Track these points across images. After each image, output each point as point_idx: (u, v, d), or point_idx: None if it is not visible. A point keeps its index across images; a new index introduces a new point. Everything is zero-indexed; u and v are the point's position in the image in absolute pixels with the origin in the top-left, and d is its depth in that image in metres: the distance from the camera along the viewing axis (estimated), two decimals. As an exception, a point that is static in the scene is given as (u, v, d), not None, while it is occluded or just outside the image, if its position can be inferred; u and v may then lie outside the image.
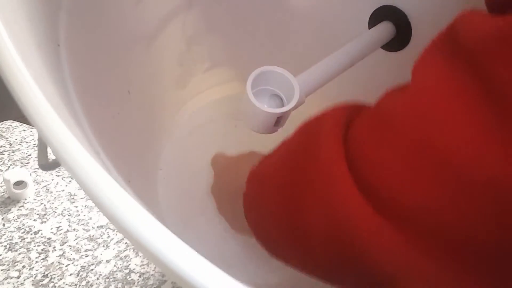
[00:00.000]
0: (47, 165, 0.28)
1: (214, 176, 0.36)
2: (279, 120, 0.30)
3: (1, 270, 0.43)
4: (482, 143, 0.13)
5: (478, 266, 0.15)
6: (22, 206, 0.53)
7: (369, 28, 0.38)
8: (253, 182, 0.27)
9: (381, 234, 0.16)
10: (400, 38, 0.36)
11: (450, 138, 0.14)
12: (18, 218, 0.51)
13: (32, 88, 0.13)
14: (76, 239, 0.48)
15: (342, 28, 0.41)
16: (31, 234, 0.48)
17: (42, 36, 0.22)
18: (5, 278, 0.42)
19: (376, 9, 0.37)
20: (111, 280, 0.42)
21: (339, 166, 0.18)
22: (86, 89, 0.23)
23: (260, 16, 0.46)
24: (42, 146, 0.28)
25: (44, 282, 0.42)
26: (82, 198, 0.55)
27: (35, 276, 0.42)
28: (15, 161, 0.63)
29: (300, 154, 0.22)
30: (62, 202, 0.54)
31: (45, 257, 0.45)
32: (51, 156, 0.33)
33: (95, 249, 0.46)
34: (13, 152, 0.66)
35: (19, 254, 0.45)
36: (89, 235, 0.48)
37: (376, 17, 0.37)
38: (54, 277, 0.42)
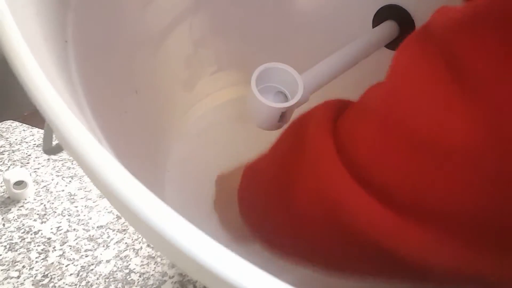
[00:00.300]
0: (51, 149, 0.29)
1: (215, 191, 0.36)
2: (283, 116, 0.30)
3: (1, 270, 0.43)
4: (446, 116, 0.15)
5: (458, 231, 0.15)
6: (22, 206, 0.53)
7: (373, 27, 0.38)
8: (247, 175, 0.28)
9: (368, 208, 0.17)
10: (403, 37, 0.36)
11: (419, 114, 0.16)
12: (18, 218, 0.51)
13: (42, 78, 0.13)
14: (76, 239, 0.47)
15: (347, 27, 0.42)
16: (31, 234, 0.48)
17: (50, 31, 0.22)
18: (5, 278, 0.42)
19: (380, 8, 0.37)
20: (111, 280, 0.42)
21: (327, 149, 0.19)
22: (92, 86, 0.23)
23: (266, 19, 0.46)
24: (47, 134, 0.29)
25: (44, 282, 0.41)
26: (82, 198, 0.55)
27: (35, 276, 0.42)
28: (15, 161, 0.63)
29: (291, 142, 0.24)
30: (62, 202, 0.54)
31: (45, 257, 0.45)
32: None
33: (95, 249, 0.46)
34: (13, 152, 0.66)
35: (19, 254, 0.45)
36: (89, 235, 0.48)
37: (380, 16, 0.38)
38: (54, 277, 0.42)
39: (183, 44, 0.44)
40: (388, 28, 0.36)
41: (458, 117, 0.14)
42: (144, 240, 0.48)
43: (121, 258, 0.45)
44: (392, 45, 0.37)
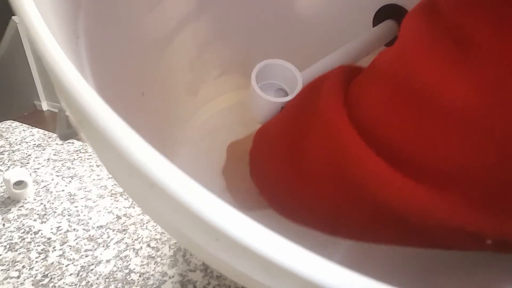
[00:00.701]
0: (65, 135, 0.29)
1: (226, 157, 0.36)
2: None
3: (1, 270, 0.43)
4: (450, 77, 0.15)
5: (460, 189, 0.16)
6: (22, 206, 0.53)
7: (373, 26, 0.38)
8: (258, 138, 0.28)
9: (375, 167, 0.18)
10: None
11: (424, 76, 0.16)
12: (18, 218, 0.51)
13: (67, 61, 0.13)
14: (76, 239, 0.47)
15: (347, 27, 0.42)
16: (31, 234, 0.48)
17: (63, 26, 0.22)
18: (5, 278, 0.42)
19: (380, 7, 0.38)
20: (111, 280, 0.42)
21: (338, 110, 0.20)
22: (103, 85, 0.23)
23: (268, 22, 0.47)
24: (61, 120, 0.30)
25: (44, 282, 0.41)
26: (82, 198, 0.55)
27: (35, 276, 0.42)
28: (15, 161, 0.63)
29: (303, 104, 0.24)
30: (62, 202, 0.54)
31: (45, 257, 0.45)
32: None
33: (95, 249, 0.46)
34: (13, 152, 0.66)
35: (19, 254, 0.45)
36: (89, 235, 0.48)
37: (380, 16, 0.38)
38: (54, 277, 0.42)
39: (187, 48, 0.45)
40: (388, 27, 0.36)
41: (461, 79, 0.15)
42: (144, 240, 0.48)
43: (121, 258, 0.45)
44: (391, 44, 0.37)
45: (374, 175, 0.18)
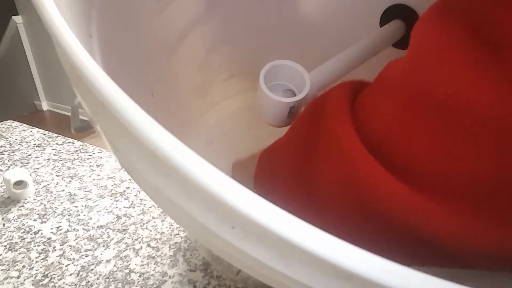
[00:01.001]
0: (80, 128, 0.30)
1: (232, 174, 0.36)
2: (291, 112, 0.31)
3: (1, 270, 0.43)
4: (476, 84, 0.14)
5: (483, 207, 0.15)
6: (22, 206, 0.53)
7: (380, 26, 0.38)
8: (263, 160, 0.27)
9: (388, 186, 0.16)
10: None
11: (447, 84, 0.15)
12: (18, 218, 0.51)
13: (86, 55, 0.14)
14: (76, 239, 0.47)
15: (354, 27, 0.42)
16: (31, 234, 0.48)
17: (77, 25, 0.23)
18: (5, 278, 0.42)
19: (387, 7, 0.38)
20: (111, 280, 0.42)
21: (345, 128, 0.18)
22: (113, 81, 0.24)
23: (275, 24, 0.47)
24: (75, 114, 0.30)
25: (44, 282, 0.41)
26: (82, 198, 0.55)
27: (35, 276, 0.42)
28: (15, 161, 0.63)
29: (307, 123, 0.23)
30: (62, 202, 0.54)
31: (45, 257, 0.45)
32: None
33: (95, 249, 0.46)
34: (13, 152, 0.66)
35: (19, 254, 0.45)
36: (89, 235, 0.48)
37: (387, 16, 0.38)
38: (54, 277, 0.42)
39: (195, 51, 0.45)
40: (395, 27, 0.36)
41: (488, 85, 0.14)
42: (144, 240, 0.48)
43: (121, 258, 0.45)
44: (399, 44, 0.37)
45: (389, 196, 0.16)
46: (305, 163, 0.21)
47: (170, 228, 0.50)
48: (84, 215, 0.52)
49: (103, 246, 0.47)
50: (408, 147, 0.16)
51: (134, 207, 0.53)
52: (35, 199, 0.54)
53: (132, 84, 0.34)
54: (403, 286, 0.09)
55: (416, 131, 0.16)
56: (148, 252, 0.46)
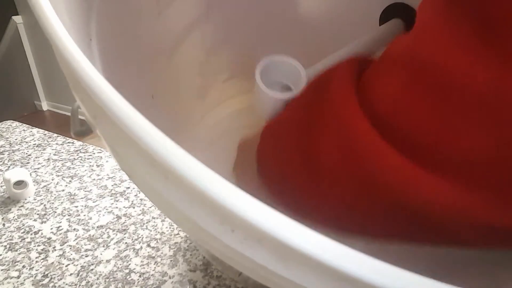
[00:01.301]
0: (80, 132, 0.30)
1: (236, 155, 0.36)
2: None
3: (1, 270, 0.43)
4: (475, 60, 0.14)
5: (483, 181, 0.15)
6: (22, 206, 0.53)
7: (380, 25, 0.38)
8: (266, 134, 0.27)
9: (390, 160, 0.17)
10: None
11: (446, 61, 0.15)
12: (18, 218, 0.51)
13: (85, 60, 0.14)
14: (76, 239, 0.47)
15: (353, 26, 0.42)
16: (31, 234, 0.48)
17: (76, 27, 0.23)
18: (5, 278, 0.42)
19: (387, 6, 0.38)
20: (111, 280, 0.42)
21: (349, 102, 0.19)
22: (113, 83, 0.24)
23: (275, 25, 0.47)
24: (75, 117, 0.31)
25: (44, 282, 0.41)
26: (82, 198, 0.55)
27: (35, 276, 0.42)
28: (15, 161, 0.63)
29: (312, 97, 0.23)
30: (62, 202, 0.54)
31: (45, 257, 0.45)
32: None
33: (95, 249, 0.46)
34: (13, 152, 0.66)
35: (19, 254, 0.45)
36: (89, 235, 0.48)
37: (387, 15, 0.38)
38: (54, 277, 0.42)
39: (195, 52, 0.45)
40: (394, 26, 0.36)
41: (487, 61, 0.14)
42: (144, 240, 0.48)
43: (121, 258, 0.45)
44: None
45: (391, 170, 0.17)
46: (307, 136, 0.22)
47: (170, 228, 0.50)
48: (84, 215, 0.52)
49: (103, 246, 0.47)
50: (411, 121, 0.16)
51: (134, 207, 0.53)
52: (35, 199, 0.54)
53: (132, 86, 0.34)
54: None
55: (416, 105, 0.16)
56: (148, 252, 0.46)
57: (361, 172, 0.18)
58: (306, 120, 0.23)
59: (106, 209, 0.53)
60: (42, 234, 0.48)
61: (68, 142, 0.69)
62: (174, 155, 0.12)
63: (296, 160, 0.23)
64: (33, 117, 2.80)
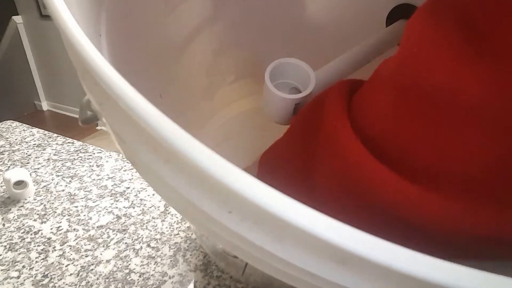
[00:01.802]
0: (87, 119, 0.31)
1: None
2: (297, 109, 0.31)
3: (1, 270, 0.43)
4: (464, 75, 0.14)
5: (479, 194, 0.15)
6: (22, 206, 0.53)
7: (387, 26, 0.39)
8: (263, 162, 0.28)
9: (386, 180, 0.17)
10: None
11: (434, 77, 0.15)
12: (18, 218, 0.51)
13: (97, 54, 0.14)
14: (76, 239, 0.47)
15: (360, 27, 0.42)
16: (31, 234, 0.48)
17: (86, 23, 0.23)
18: (5, 278, 0.42)
19: (394, 7, 0.38)
20: (111, 280, 0.42)
21: (342, 126, 0.19)
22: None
23: (282, 27, 0.47)
24: (83, 109, 0.31)
25: (44, 282, 0.41)
26: (82, 198, 0.55)
27: (35, 276, 0.42)
28: (15, 161, 0.63)
29: (305, 124, 0.24)
30: (62, 202, 0.54)
31: (45, 257, 0.45)
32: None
33: (95, 249, 0.46)
34: (13, 152, 0.66)
35: (19, 254, 0.45)
36: (89, 235, 0.48)
37: (394, 16, 0.38)
38: (54, 277, 0.42)
39: (203, 53, 0.45)
40: (402, 27, 0.36)
41: (475, 75, 0.14)
42: (144, 240, 0.48)
43: (121, 258, 0.45)
44: None
45: (383, 188, 0.17)
46: (304, 161, 0.22)
47: (170, 228, 0.50)
48: (84, 215, 0.52)
49: (103, 246, 0.47)
50: (401, 139, 0.17)
51: (134, 207, 0.53)
52: (35, 199, 0.54)
53: (140, 85, 0.34)
54: (401, 265, 0.10)
55: (407, 123, 0.16)
56: (148, 252, 0.46)
57: (355, 191, 0.18)
58: (302, 145, 0.23)
59: (106, 209, 0.53)
60: (42, 234, 0.48)
61: (68, 142, 0.69)
62: (175, 134, 0.12)
63: (294, 185, 0.23)
64: (33, 117, 2.80)
